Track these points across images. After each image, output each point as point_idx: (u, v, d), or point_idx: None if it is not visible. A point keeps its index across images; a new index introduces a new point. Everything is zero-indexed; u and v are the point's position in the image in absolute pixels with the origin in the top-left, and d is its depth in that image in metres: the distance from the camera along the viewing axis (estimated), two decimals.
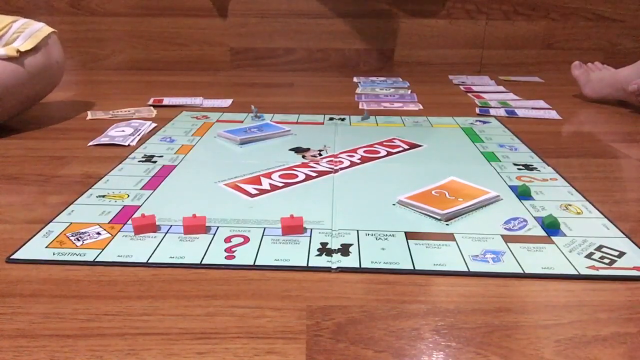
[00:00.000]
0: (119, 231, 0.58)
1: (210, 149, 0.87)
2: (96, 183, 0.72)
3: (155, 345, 0.41)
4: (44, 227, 0.59)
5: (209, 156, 0.84)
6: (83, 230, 0.58)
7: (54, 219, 0.61)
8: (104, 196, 0.68)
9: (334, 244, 0.56)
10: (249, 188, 0.70)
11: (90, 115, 1.08)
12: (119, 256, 0.53)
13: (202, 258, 0.53)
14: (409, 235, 0.58)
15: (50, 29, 1.01)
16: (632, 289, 0.49)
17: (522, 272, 0.51)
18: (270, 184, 0.72)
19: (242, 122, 1.04)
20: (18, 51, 0.94)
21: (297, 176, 0.74)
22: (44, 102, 1.12)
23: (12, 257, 0.53)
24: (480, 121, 1.06)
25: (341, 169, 0.78)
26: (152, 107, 1.14)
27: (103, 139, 0.91)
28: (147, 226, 0.58)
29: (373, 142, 0.90)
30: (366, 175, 0.75)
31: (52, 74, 1.03)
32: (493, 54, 1.64)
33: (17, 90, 0.95)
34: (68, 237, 0.57)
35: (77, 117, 1.07)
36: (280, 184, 0.72)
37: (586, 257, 0.54)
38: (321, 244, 0.56)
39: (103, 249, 0.54)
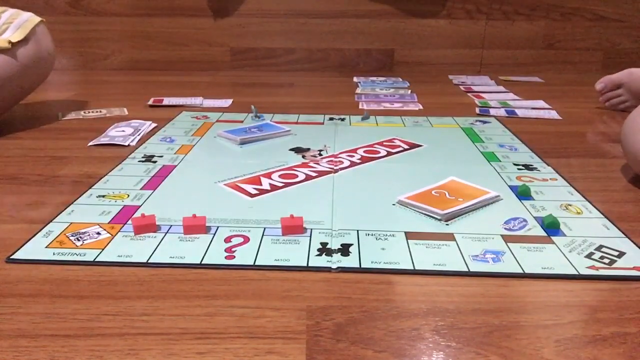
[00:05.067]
0: (119, 231, 0.58)
1: (210, 149, 0.87)
2: (96, 183, 0.72)
3: (155, 345, 0.41)
4: (44, 227, 0.59)
5: (209, 156, 0.84)
6: (83, 230, 0.58)
7: (53, 219, 0.61)
8: (104, 196, 0.68)
9: (334, 244, 0.56)
10: (249, 188, 0.70)
11: (60, 116, 1.07)
12: (119, 256, 0.53)
13: (202, 258, 0.53)
14: (409, 235, 0.58)
15: (38, 18, 1.00)
16: (632, 289, 0.49)
17: (522, 272, 0.51)
18: (270, 184, 0.72)
19: (242, 122, 1.04)
20: (10, 42, 0.93)
21: (297, 176, 0.74)
22: (44, 102, 1.12)
23: (12, 257, 0.53)
24: (480, 121, 1.06)
25: (341, 169, 0.78)
26: (124, 109, 1.13)
27: (103, 139, 0.91)
28: (147, 226, 0.58)
29: (373, 142, 0.90)
30: (366, 175, 0.75)
31: (43, 65, 1.01)
32: (493, 54, 1.64)
33: (11, 82, 0.94)
34: (68, 237, 0.57)
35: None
36: (280, 184, 0.71)
37: (586, 257, 0.54)
38: (321, 244, 0.56)
39: (103, 249, 0.54)
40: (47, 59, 1.02)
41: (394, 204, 0.66)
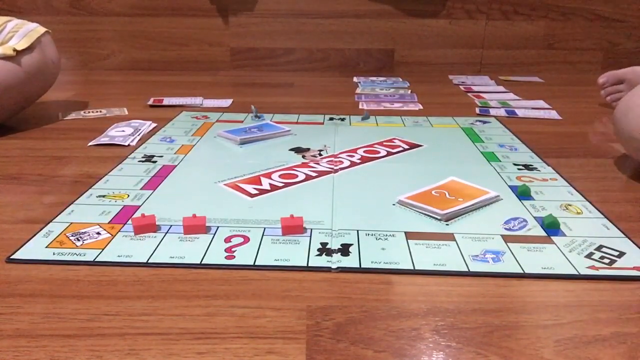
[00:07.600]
0: (119, 231, 0.58)
1: (210, 149, 0.87)
2: (96, 183, 0.72)
3: (155, 345, 0.41)
4: (44, 227, 0.59)
5: (209, 156, 0.84)
6: (83, 230, 0.58)
7: (53, 219, 0.61)
8: (104, 196, 0.68)
9: (334, 244, 0.56)
10: (249, 188, 0.70)
11: (60, 116, 1.07)
12: (119, 256, 0.53)
13: (202, 258, 0.53)
14: (409, 235, 0.58)
15: (44, 29, 1.01)
16: (632, 289, 0.49)
17: (522, 272, 0.51)
18: (270, 184, 0.72)
19: (242, 122, 1.04)
20: (15, 50, 0.94)
21: (297, 176, 0.74)
22: (44, 102, 1.12)
23: (12, 257, 0.53)
24: (480, 121, 1.06)
25: (341, 169, 0.78)
26: (125, 109, 1.13)
27: (103, 139, 0.91)
28: (147, 226, 0.58)
29: (373, 142, 0.90)
30: (366, 175, 0.75)
31: (48, 73, 1.03)
32: (493, 54, 1.64)
33: (15, 90, 0.95)
34: (68, 237, 0.57)
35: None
36: (280, 184, 0.72)
37: (586, 257, 0.54)
38: (321, 244, 0.56)
39: (103, 249, 0.54)
40: (51, 68, 1.03)
41: (394, 204, 0.66)
